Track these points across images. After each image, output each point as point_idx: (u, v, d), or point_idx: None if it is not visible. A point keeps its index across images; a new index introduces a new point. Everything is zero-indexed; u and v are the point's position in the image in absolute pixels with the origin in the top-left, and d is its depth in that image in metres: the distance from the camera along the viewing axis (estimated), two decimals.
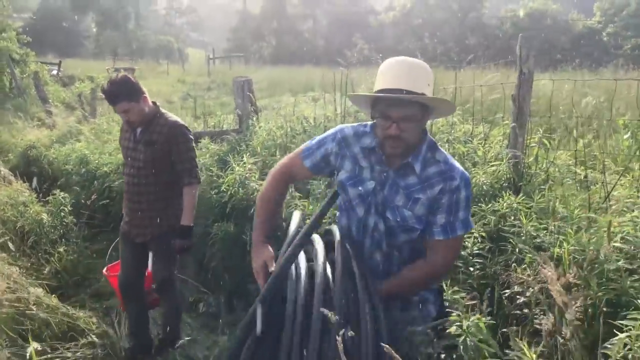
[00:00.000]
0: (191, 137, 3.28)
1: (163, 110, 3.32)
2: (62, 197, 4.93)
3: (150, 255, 3.34)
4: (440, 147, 2.00)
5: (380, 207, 1.98)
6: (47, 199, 5.14)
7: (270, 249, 2.05)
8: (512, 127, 3.03)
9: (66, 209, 4.92)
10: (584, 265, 2.03)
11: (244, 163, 3.90)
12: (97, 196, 5.15)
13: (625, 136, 4.72)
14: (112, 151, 5.92)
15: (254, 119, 4.98)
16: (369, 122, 2.08)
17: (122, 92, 3.03)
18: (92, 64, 28.51)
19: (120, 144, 3.46)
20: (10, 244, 4.08)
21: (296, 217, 2.25)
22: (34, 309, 3.04)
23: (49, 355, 2.88)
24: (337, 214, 2.21)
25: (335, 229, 2.06)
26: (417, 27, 47.91)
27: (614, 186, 2.73)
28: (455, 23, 46.09)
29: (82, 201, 5.26)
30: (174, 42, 53.05)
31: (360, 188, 2.02)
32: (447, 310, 1.79)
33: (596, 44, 37.17)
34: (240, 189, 3.75)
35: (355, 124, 2.13)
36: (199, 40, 68.86)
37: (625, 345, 1.64)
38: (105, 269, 3.68)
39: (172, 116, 3.32)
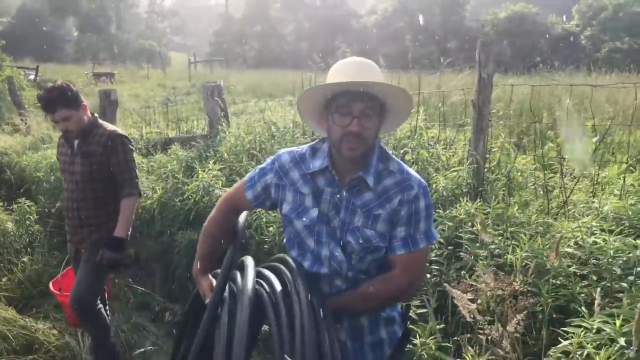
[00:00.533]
0: (131, 147, 3.20)
1: (101, 121, 3.21)
2: (27, 206, 4.84)
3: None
4: (392, 156, 1.87)
5: (339, 231, 1.82)
6: (11, 207, 5.05)
7: (210, 279, 1.95)
8: (472, 132, 3.03)
9: (32, 217, 4.83)
10: (529, 272, 2.02)
11: (210, 169, 3.86)
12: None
13: (594, 139, 4.77)
14: None
15: (223, 124, 4.93)
16: (305, 145, 1.95)
17: (61, 99, 2.92)
18: (72, 68, 28.18)
19: (57, 160, 3.35)
20: None
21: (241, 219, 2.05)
22: None
23: None
24: (286, 247, 2.03)
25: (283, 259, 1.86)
26: (399, 31, 48.13)
27: (571, 191, 2.73)
28: (437, 26, 46.41)
29: (49, 210, 5.17)
30: (156, 46, 52.69)
31: (304, 219, 1.86)
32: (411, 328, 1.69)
33: (575, 47, 37.66)
34: (204, 196, 3.70)
35: (292, 149, 1.98)
36: (181, 44, 68.55)
37: (568, 353, 1.64)
38: (51, 283, 3.61)
39: (111, 126, 3.23)
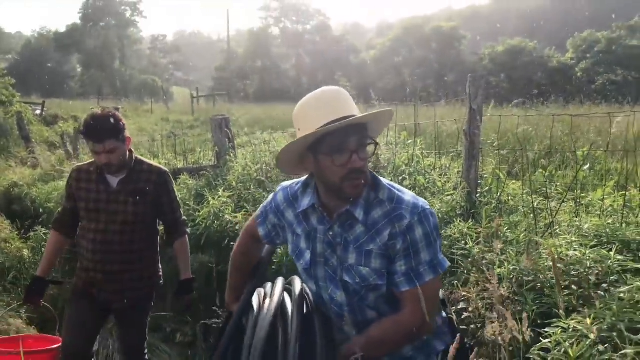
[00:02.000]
0: (173, 182, 3.06)
1: (139, 156, 2.97)
2: (43, 234, 5.06)
3: (116, 321, 3.02)
4: (382, 181, 1.71)
5: (338, 270, 1.69)
6: (28, 235, 5.26)
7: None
8: (464, 159, 3.28)
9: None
10: (513, 280, 2.23)
11: (219, 197, 4.09)
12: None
13: (585, 167, 5.04)
14: None
15: (231, 154, 5.20)
16: (299, 180, 1.84)
17: (111, 127, 2.66)
18: (77, 103, 28.72)
19: (75, 195, 2.86)
20: None
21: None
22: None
23: None
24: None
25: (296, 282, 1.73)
26: (397, 65, 49.06)
27: (556, 212, 2.96)
28: (434, 60, 47.31)
29: None
30: (158, 81, 53.60)
31: (301, 262, 1.77)
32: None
33: (570, 80, 38.30)
34: (215, 221, 3.93)
35: (288, 184, 1.88)
36: (184, 79, 69.59)
37: (548, 350, 1.85)
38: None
39: (152, 162, 3.02)
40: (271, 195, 1.92)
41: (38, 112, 18.85)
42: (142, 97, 42.67)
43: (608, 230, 2.53)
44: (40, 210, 6.69)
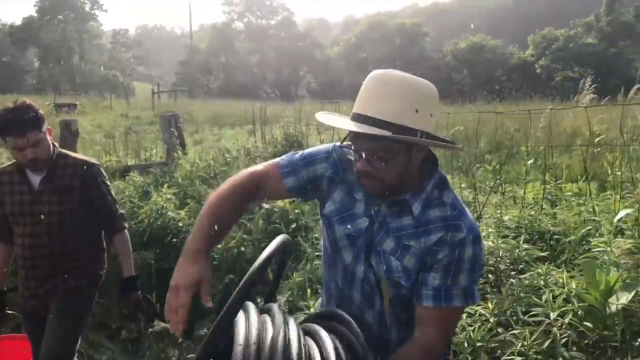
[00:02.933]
0: (105, 174, 2.84)
1: (62, 150, 2.71)
2: None
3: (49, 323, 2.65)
4: (451, 188, 1.53)
5: (365, 250, 1.51)
6: None
7: (208, 266, 1.37)
8: None
9: None
10: None
11: (164, 193, 4.11)
12: None
13: (529, 162, 5.23)
14: None
15: (178, 152, 5.21)
16: None
17: (32, 118, 2.41)
18: (33, 99, 27.91)
19: (4, 202, 2.63)
20: None
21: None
22: None
23: None
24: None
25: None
26: (362, 61, 49.36)
27: (484, 205, 3.10)
28: (398, 56, 47.78)
29: None
30: (120, 76, 52.65)
31: (349, 226, 1.54)
32: None
33: (530, 76, 39.18)
34: (158, 218, 3.95)
35: None
36: (146, 74, 68.54)
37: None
38: None
39: (77, 155, 2.77)
40: (322, 148, 1.64)
41: None
42: (103, 92, 41.88)
43: (526, 221, 2.67)
44: None
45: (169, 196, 4.14)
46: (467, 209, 1.49)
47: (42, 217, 2.54)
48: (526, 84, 37.01)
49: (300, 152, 1.65)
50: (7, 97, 25.30)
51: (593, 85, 8.75)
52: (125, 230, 2.79)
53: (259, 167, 1.65)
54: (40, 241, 2.57)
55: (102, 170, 2.76)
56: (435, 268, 1.42)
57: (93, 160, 2.78)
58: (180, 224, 3.81)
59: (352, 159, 1.49)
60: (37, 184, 2.57)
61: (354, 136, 1.39)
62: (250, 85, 49.49)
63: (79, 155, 2.74)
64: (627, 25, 37.96)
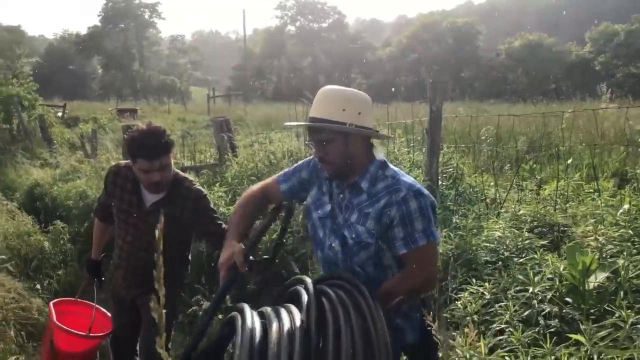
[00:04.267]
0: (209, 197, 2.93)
1: (180, 173, 2.81)
2: (61, 227, 5.58)
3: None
4: (391, 166, 2.06)
5: (341, 227, 2.04)
6: (47, 229, 5.80)
7: (241, 244, 2.02)
8: (427, 155, 3.68)
9: (65, 237, 5.57)
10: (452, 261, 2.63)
11: (215, 191, 4.54)
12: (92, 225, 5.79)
13: (568, 161, 5.39)
14: None
15: (229, 154, 5.65)
16: None
17: (165, 142, 2.50)
18: (97, 105, 29.54)
19: (108, 192, 2.83)
20: (10, 268, 4.67)
21: None
22: (36, 315, 3.65)
23: None
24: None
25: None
26: (413, 62, 49.10)
27: (504, 201, 3.35)
28: (450, 56, 47.29)
29: (81, 230, 5.90)
30: (177, 82, 54.45)
31: (319, 212, 2.13)
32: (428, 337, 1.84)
33: (588, 74, 37.86)
34: None
35: None
36: (202, 79, 70.36)
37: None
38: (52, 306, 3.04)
39: (190, 180, 2.84)
40: (304, 160, 2.29)
41: (60, 114, 19.51)
42: (161, 97, 43.51)
43: (539, 215, 2.92)
44: (60, 207, 7.22)
45: (220, 194, 4.56)
46: (407, 175, 2.04)
47: (145, 236, 2.65)
48: (585, 81, 35.85)
49: (293, 166, 2.31)
50: (75, 103, 26.90)
51: None
52: None
53: (262, 184, 2.34)
54: (139, 248, 2.73)
55: (207, 198, 2.83)
56: (394, 224, 1.92)
57: (203, 191, 2.83)
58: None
59: (320, 167, 2.11)
60: (148, 203, 2.66)
61: (308, 133, 2.09)
62: (302, 89, 50.15)
63: (191, 185, 2.78)
64: None
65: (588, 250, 2.10)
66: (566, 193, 3.33)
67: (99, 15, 58.41)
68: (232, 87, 51.35)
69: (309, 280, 1.72)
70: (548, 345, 1.70)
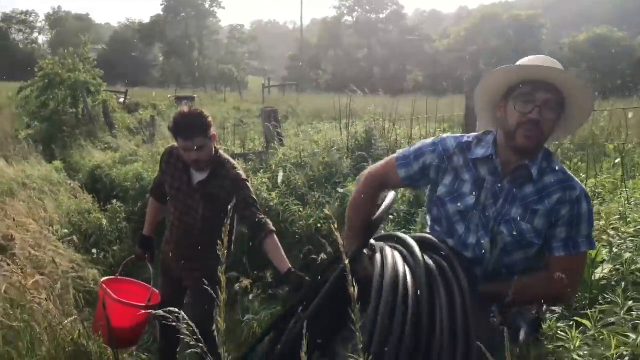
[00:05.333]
0: (250, 185, 3.08)
1: (224, 155, 3.04)
2: (118, 206, 6.02)
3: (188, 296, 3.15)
4: (555, 157, 1.90)
5: (492, 221, 1.81)
6: (106, 208, 6.25)
7: (360, 240, 1.86)
8: None
9: (121, 216, 5.99)
10: None
11: (260, 177, 4.80)
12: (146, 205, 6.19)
13: (617, 160, 5.37)
14: None
15: (275, 142, 5.90)
16: (471, 134, 1.99)
17: (200, 124, 2.76)
18: (158, 92, 30.57)
19: (162, 171, 3.10)
20: (75, 240, 5.08)
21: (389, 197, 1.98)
22: (92, 284, 4.02)
23: None
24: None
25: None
26: (472, 54, 48.23)
27: None
28: (511, 50, 46.13)
29: (135, 210, 6.32)
30: (234, 71, 55.52)
31: (459, 204, 1.87)
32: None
33: None
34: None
35: (457, 135, 2.01)
36: (259, 68, 71.37)
37: None
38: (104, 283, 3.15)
39: (232, 163, 3.04)
40: (428, 141, 2.01)
41: (122, 100, 20.34)
42: (219, 86, 44.50)
43: None
44: (119, 188, 7.70)
45: (264, 180, 4.82)
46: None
47: (192, 212, 2.93)
48: None
49: (414, 146, 2.02)
50: (136, 90, 27.96)
51: None
52: (274, 235, 2.85)
53: (379, 164, 2.09)
54: (186, 226, 2.99)
55: (249, 184, 3.01)
56: (560, 224, 1.75)
57: (243, 175, 3.01)
58: (271, 204, 4.47)
59: (455, 149, 1.90)
60: (196, 181, 2.93)
61: (535, 88, 1.72)
62: (358, 80, 50.14)
63: (233, 168, 2.99)
64: None
65: (598, 244, 2.21)
66: (597, 191, 3.38)
67: (161, 5, 60.28)
68: (287, 77, 51.91)
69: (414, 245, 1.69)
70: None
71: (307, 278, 2.76)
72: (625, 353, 1.54)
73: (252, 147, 7.46)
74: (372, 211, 1.94)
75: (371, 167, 2.10)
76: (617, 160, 5.39)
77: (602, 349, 1.56)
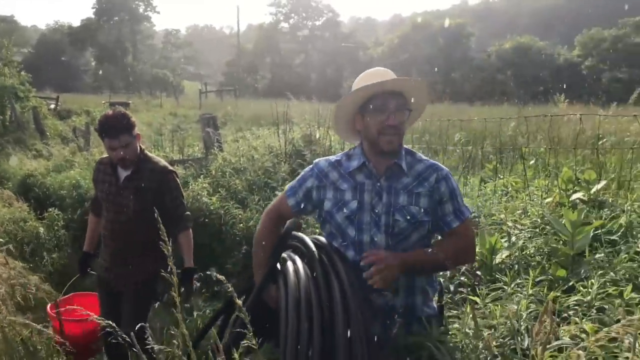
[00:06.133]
0: (179, 180, 3.24)
1: (149, 154, 3.19)
2: (55, 214, 6.00)
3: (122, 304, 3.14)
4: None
5: (384, 216, 2.01)
6: (43, 216, 6.20)
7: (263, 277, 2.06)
8: None
9: (59, 223, 5.98)
10: None
11: (200, 183, 4.97)
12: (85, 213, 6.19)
13: (531, 162, 5.83)
14: None
15: (215, 148, 6.07)
16: (338, 154, 2.24)
17: (125, 123, 2.93)
18: (90, 97, 29.71)
19: (95, 183, 3.27)
20: (12, 248, 5.04)
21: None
22: (34, 290, 4.06)
23: None
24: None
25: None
26: (405, 62, 49.46)
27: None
28: (441, 57, 47.70)
29: (74, 217, 6.31)
30: (170, 75, 54.54)
31: (345, 210, 2.06)
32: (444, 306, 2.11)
33: (576, 77, 38.25)
34: (195, 202, 4.80)
35: (327, 157, 2.25)
36: (195, 73, 70.36)
37: None
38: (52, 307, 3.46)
39: (158, 160, 3.21)
40: (307, 169, 2.24)
41: (52, 106, 19.58)
42: (154, 91, 43.59)
43: (475, 207, 3.37)
44: (53, 196, 7.59)
45: (204, 185, 4.99)
46: None
47: (123, 209, 3.03)
48: (572, 85, 36.29)
49: (298, 177, 2.25)
50: (68, 96, 27.05)
51: None
52: (190, 230, 3.15)
53: (274, 202, 2.32)
54: (119, 228, 3.09)
55: (176, 177, 3.20)
56: (445, 200, 2.03)
57: (170, 167, 3.21)
58: (212, 208, 4.65)
59: (328, 167, 2.13)
60: (122, 179, 3.07)
61: (386, 98, 1.98)
62: (294, 86, 50.45)
63: (160, 161, 3.19)
64: None
65: (496, 233, 2.56)
66: (506, 189, 3.79)
67: (92, 8, 58.39)
68: (224, 82, 51.49)
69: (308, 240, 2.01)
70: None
71: (197, 284, 3.22)
72: (507, 321, 1.84)
73: (191, 153, 7.56)
74: (274, 243, 2.13)
75: (268, 206, 2.34)
76: (532, 162, 5.91)
77: (490, 319, 1.87)
